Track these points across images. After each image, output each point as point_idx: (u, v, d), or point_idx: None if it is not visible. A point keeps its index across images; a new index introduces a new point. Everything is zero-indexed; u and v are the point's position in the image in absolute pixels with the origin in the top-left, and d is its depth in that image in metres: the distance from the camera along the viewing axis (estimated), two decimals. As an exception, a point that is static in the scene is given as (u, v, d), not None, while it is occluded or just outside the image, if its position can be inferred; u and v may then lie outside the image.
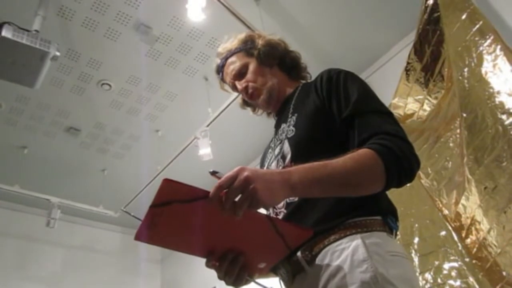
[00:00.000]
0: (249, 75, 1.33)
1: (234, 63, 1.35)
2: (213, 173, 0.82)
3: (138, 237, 0.81)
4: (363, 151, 0.92)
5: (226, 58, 1.37)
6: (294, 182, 0.84)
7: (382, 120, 1.02)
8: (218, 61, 1.41)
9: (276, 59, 1.36)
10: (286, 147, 1.15)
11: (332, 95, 1.12)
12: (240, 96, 1.45)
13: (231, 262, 0.90)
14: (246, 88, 1.33)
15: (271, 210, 1.12)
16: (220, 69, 1.40)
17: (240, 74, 1.34)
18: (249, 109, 1.49)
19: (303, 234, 0.89)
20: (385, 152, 0.91)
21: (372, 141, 0.95)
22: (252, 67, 1.33)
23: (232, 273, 0.91)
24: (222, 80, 1.43)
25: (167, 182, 0.72)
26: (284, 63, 1.38)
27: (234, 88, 1.38)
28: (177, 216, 0.79)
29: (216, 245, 0.88)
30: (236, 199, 0.76)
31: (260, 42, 1.36)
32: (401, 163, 0.92)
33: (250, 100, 1.36)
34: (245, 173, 0.77)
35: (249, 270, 0.94)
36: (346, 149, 0.96)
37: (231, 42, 1.39)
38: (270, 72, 1.35)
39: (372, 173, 0.91)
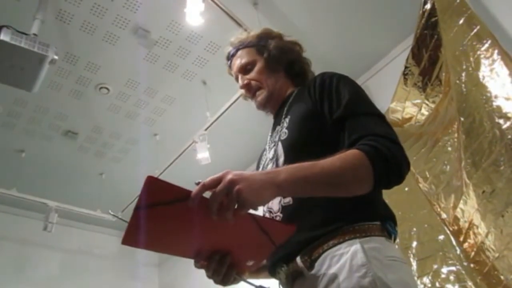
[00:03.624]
0: (253, 74, 1.35)
1: (243, 57, 1.37)
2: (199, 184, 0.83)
3: (125, 241, 0.81)
4: (351, 152, 0.93)
5: (238, 49, 1.40)
6: (280, 181, 0.84)
7: (372, 122, 1.03)
8: (230, 48, 1.43)
9: (284, 64, 1.37)
10: (280, 149, 1.16)
11: (324, 97, 1.13)
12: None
13: (218, 262, 0.91)
14: (247, 85, 1.35)
15: (267, 214, 1.13)
16: (230, 57, 1.43)
17: (246, 69, 1.36)
18: (250, 103, 1.52)
19: (286, 230, 0.90)
20: (372, 153, 0.92)
21: (361, 142, 0.96)
22: (258, 66, 1.35)
23: (219, 272, 0.92)
24: (230, 67, 1.45)
25: (151, 179, 0.72)
26: (292, 68, 1.39)
27: (238, 79, 1.41)
28: (162, 218, 0.78)
29: (203, 245, 0.89)
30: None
31: (273, 43, 1.37)
32: (389, 163, 0.92)
33: (249, 96, 1.38)
34: (229, 176, 0.78)
35: (237, 268, 0.95)
36: (338, 151, 0.96)
37: (247, 34, 1.42)
38: (275, 75, 1.36)
39: (359, 172, 0.91)
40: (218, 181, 0.78)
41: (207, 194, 0.77)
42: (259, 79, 1.34)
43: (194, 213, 0.77)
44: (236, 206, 0.77)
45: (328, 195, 0.92)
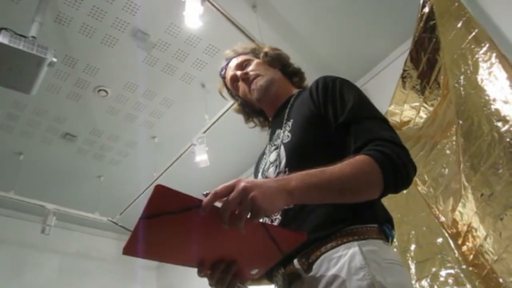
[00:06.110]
0: (251, 67, 1.37)
1: (239, 58, 1.41)
2: (207, 195, 0.81)
3: (126, 251, 0.79)
4: (360, 157, 0.92)
5: (233, 58, 1.43)
6: (292, 188, 0.83)
7: (377, 127, 1.03)
8: (224, 64, 1.46)
9: (280, 64, 1.40)
10: (282, 152, 1.15)
11: (328, 102, 1.12)
12: (236, 101, 1.48)
13: (223, 270, 0.89)
14: (246, 73, 1.35)
15: (266, 218, 1.12)
16: (224, 68, 1.45)
17: (242, 66, 1.39)
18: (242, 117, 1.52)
19: (296, 238, 0.88)
20: (382, 158, 0.92)
21: (368, 148, 0.96)
22: (255, 62, 1.38)
23: (224, 281, 0.90)
24: (223, 78, 1.46)
25: (160, 189, 0.70)
26: (287, 67, 1.42)
27: (233, 81, 1.41)
28: (168, 228, 0.76)
29: (208, 254, 0.87)
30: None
31: (266, 48, 1.42)
32: (398, 168, 0.92)
33: (249, 85, 1.36)
34: (242, 184, 0.77)
35: (241, 276, 0.94)
36: (341, 155, 0.96)
37: (241, 47, 1.46)
38: (272, 69, 1.38)
39: (370, 178, 0.91)
40: (230, 189, 0.76)
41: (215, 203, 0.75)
42: (257, 70, 1.36)
43: (202, 222, 0.75)
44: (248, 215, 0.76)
45: (338, 201, 0.91)
